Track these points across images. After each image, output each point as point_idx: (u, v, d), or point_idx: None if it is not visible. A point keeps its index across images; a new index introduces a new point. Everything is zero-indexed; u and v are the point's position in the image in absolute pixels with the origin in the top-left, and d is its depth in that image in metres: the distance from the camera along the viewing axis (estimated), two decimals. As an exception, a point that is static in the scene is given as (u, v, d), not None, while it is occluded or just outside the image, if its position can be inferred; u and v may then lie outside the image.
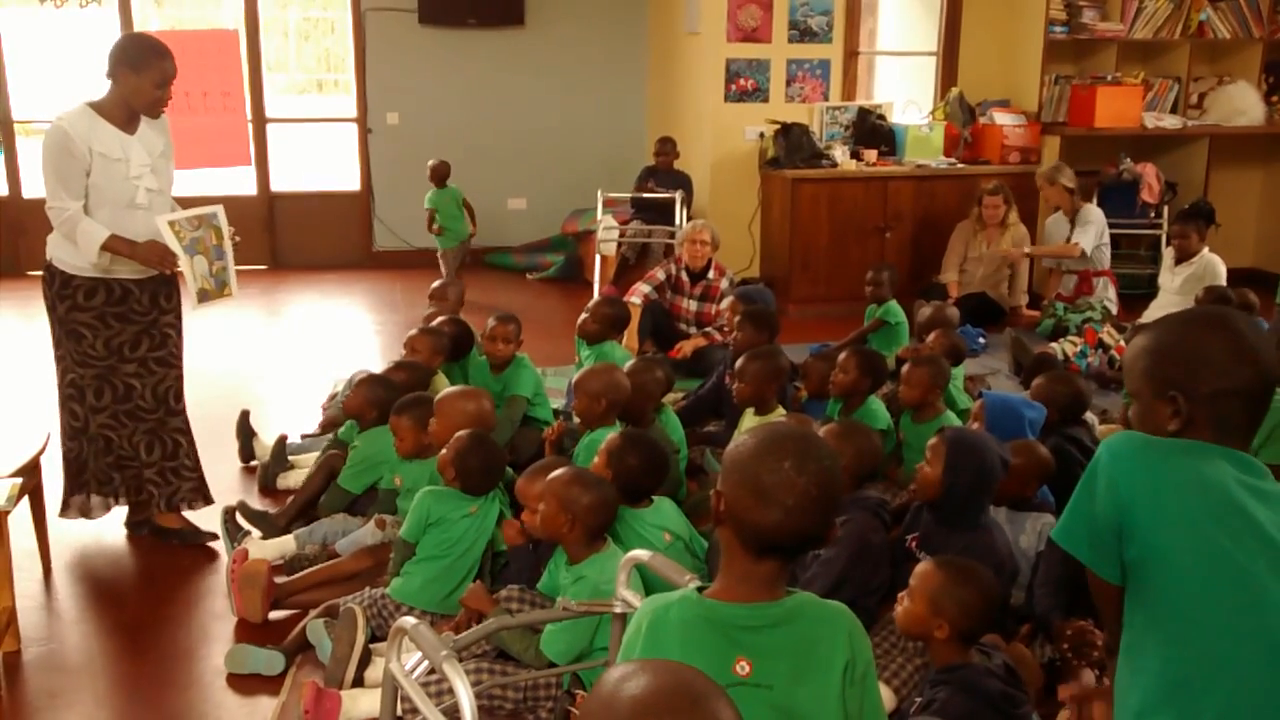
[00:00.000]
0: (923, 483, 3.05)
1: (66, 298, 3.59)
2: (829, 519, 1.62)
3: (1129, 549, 1.83)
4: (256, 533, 3.73)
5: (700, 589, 1.69)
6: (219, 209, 3.74)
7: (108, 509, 3.84)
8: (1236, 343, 1.82)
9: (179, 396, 3.81)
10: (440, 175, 7.64)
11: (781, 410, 4.03)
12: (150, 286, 3.67)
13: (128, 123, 3.55)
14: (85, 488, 3.78)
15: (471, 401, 3.65)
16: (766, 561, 1.62)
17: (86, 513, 3.81)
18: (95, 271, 3.55)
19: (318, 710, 2.72)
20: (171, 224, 3.57)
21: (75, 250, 3.51)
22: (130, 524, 3.93)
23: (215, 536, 3.79)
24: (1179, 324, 1.91)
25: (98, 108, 3.53)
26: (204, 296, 3.69)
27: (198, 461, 3.87)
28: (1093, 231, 6.64)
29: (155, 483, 3.78)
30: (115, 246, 3.48)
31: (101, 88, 3.55)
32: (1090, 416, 4.15)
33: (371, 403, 3.91)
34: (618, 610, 2.27)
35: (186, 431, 3.83)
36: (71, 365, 3.66)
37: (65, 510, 3.81)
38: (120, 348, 3.64)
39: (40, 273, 3.70)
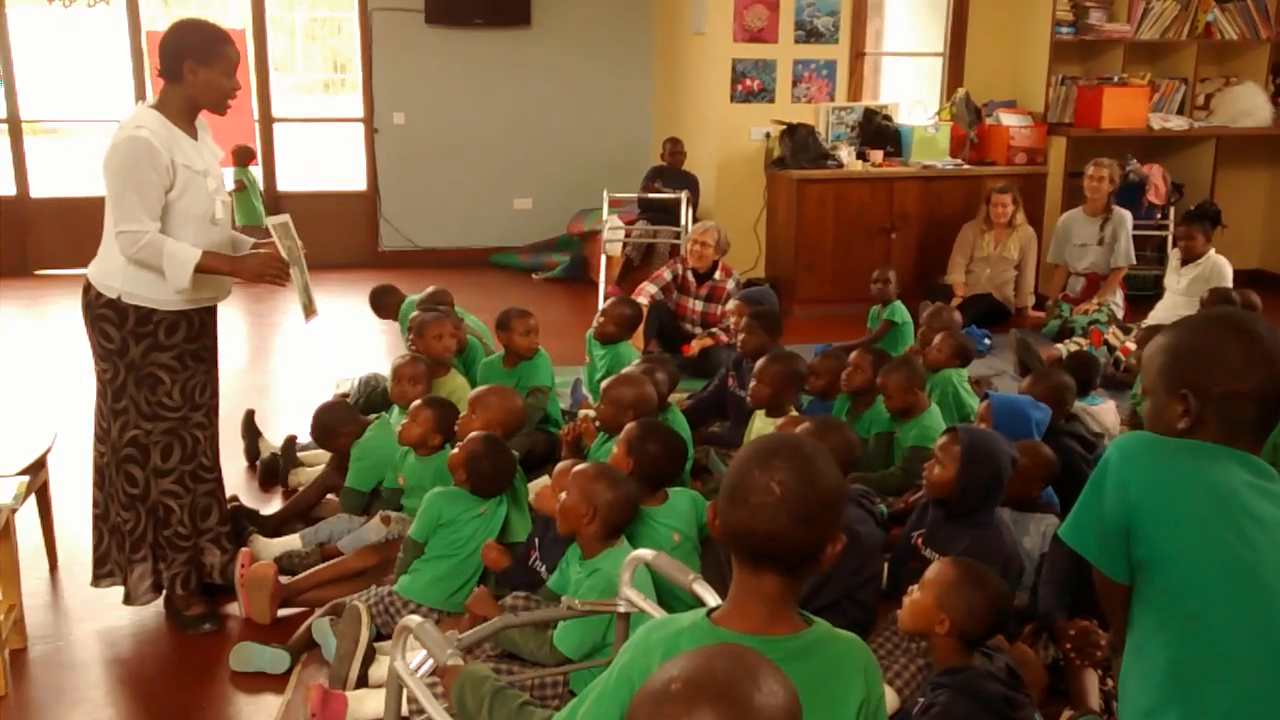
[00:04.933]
0: (935, 483, 3.05)
1: (145, 336, 3.06)
2: (809, 524, 1.56)
3: (1137, 550, 1.83)
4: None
5: (710, 611, 1.65)
6: (288, 218, 3.33)
7: (158, 592, 3.28)
8: (1253, 346, 1.82)
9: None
10: (244, 158, 7.84)
11: (794, 412, 4.04)
12: (214, 318, 3.25)
13: (190, 127, 3.11)
14: (145, 562, 3.23)
15: (511, 399, 3.72)
16: (764, 575, 1.59)
17: (134, 595, 3.23)
18: (179, 301, 3.07)
19: (324, 713, 2.72)
20: (275, 228, 3.17)
21: (155, 280, 3.01)
22: (181, 615, 3.30)
23: (219, 623, 3.32)
24: (1199, 324, 1.93)
25: (165, 112, 3.05)
26: (306, 312, 3.30)
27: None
28: (1131, 239, 6.58)
29: (224, 548, 3.32)
30: (215, 265, 3.03)
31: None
32: (1080, 408, 4.17)
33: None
34: (621, 610, 2.27)
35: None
36: (136, 419, 3.12)
37: (100, 577, 3.26)
38: (193, 393, 3.18)
39: (99, 311, 3.06)
